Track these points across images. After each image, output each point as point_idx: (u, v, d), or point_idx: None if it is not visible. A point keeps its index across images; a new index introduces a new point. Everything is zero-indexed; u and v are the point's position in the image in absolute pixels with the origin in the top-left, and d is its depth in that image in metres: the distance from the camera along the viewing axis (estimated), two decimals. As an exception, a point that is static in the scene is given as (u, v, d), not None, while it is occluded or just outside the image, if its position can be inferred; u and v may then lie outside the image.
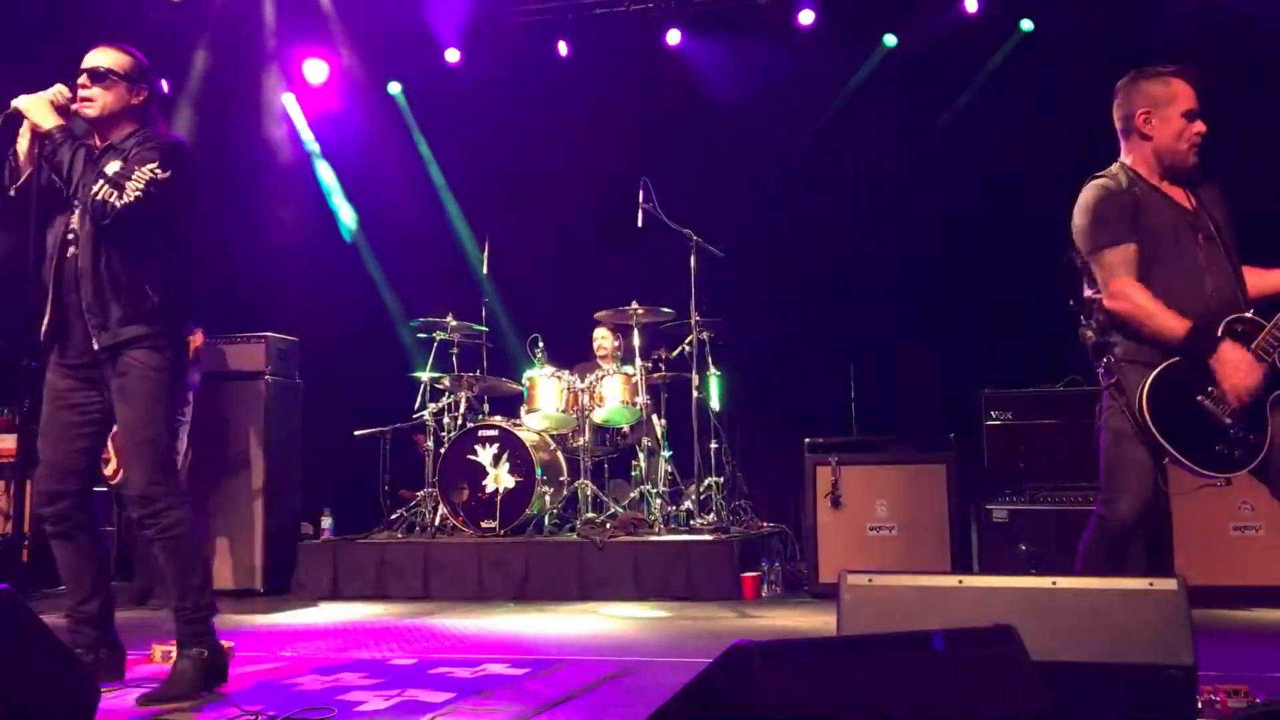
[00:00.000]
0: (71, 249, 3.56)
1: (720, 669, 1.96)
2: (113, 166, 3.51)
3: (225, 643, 4.27)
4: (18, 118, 3.48)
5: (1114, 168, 3.38)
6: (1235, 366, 3.08)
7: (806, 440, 6.28)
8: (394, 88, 9.20)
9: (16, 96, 3.47)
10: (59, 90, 3.54)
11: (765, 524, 7.20)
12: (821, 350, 7.74)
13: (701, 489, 6.88)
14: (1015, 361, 6.92)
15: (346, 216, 9.26)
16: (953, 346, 7.43)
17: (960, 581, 2.63)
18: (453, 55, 8.87)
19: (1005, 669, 2.08)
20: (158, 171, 3.49)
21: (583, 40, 8.63)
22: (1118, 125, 3.43)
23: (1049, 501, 5.80)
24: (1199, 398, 3.13)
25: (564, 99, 8.50)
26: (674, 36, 8.51)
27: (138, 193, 3.43)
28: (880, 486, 6.07)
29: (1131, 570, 3.21)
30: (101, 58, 3.62)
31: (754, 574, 6.16)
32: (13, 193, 3.50)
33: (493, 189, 8.66)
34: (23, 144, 3.51)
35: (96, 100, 3.58)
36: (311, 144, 9.30)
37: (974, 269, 7.53)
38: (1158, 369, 3.16)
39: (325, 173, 9.30)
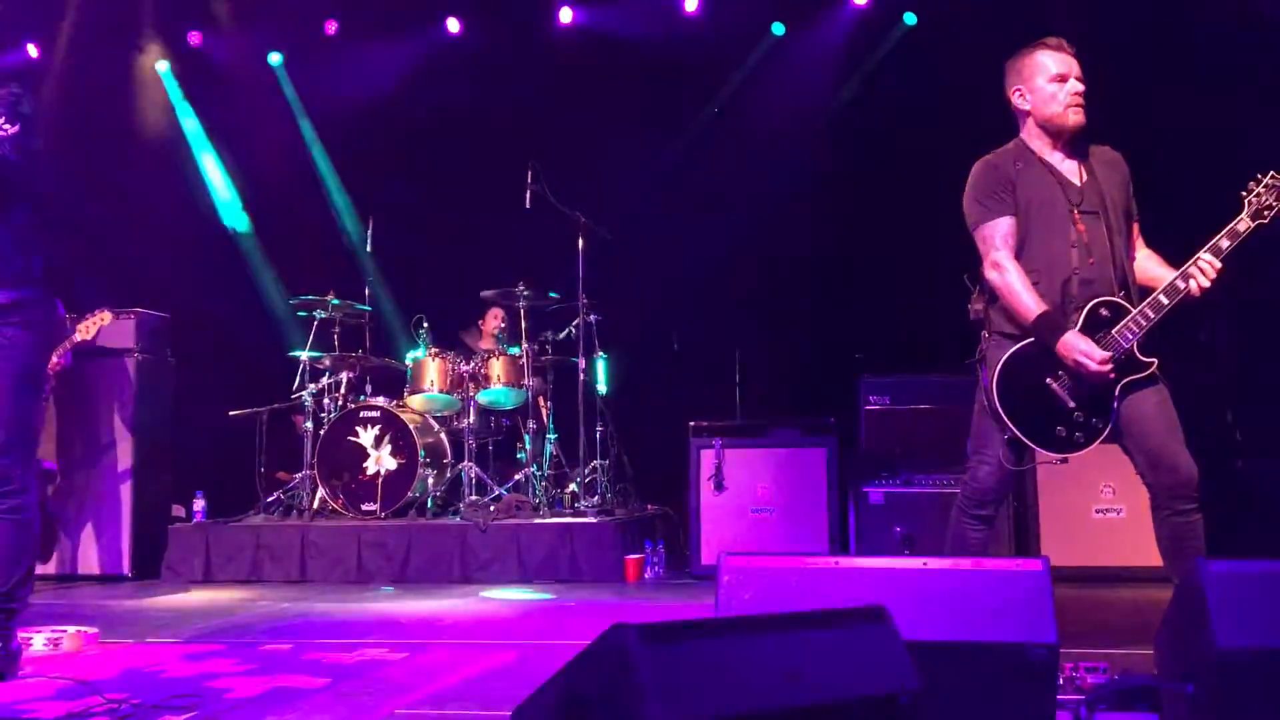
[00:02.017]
0: None
1: (598, 650, 1.96)
2: None
3: (89, 629, 4.13)
4: None
5: (1008, 145, 3.52)
6: (1075, 356, 3.20)
7: (691, 424, 6.33)
8: (274, 58, 8.91)
9: None
10: None
11: (650, 506, 7.24)
12: (707, 334, 7.79)
13: (587, 472, 6.87)
14: (893, 348, 7.08)
15: (224, 191, 8.96)
16: (834, 332, 7.57)
17: (836, 563, 2.67)
18: (331, 26, 8.61)
19: (877, 648, 2.13)
20: (7, 127, 3.35)
21: (471, 16, 8.50)
22: (1011, 109, 3.55)
23: (924, 485, 5.95)
24: (1048, 379, 3.26)
25: (450, 74, 8.36)
26: (566, 14, 8.45)
27: None
28: (762, 469, 6.15)
29: (999, 552, 3.32)
30: None
31: (637, 556, 6.19)
32: None
33: (377, 166, 8.49)
34: None
35: None
36: (188, 116, 8.97)
37: (856, 255, 7.67)
38: (1013, 348, 3.29)
39: (202, 146, 8.97)
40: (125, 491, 6.45)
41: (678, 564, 6.53)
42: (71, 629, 4.12)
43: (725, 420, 6.53)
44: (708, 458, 6.21)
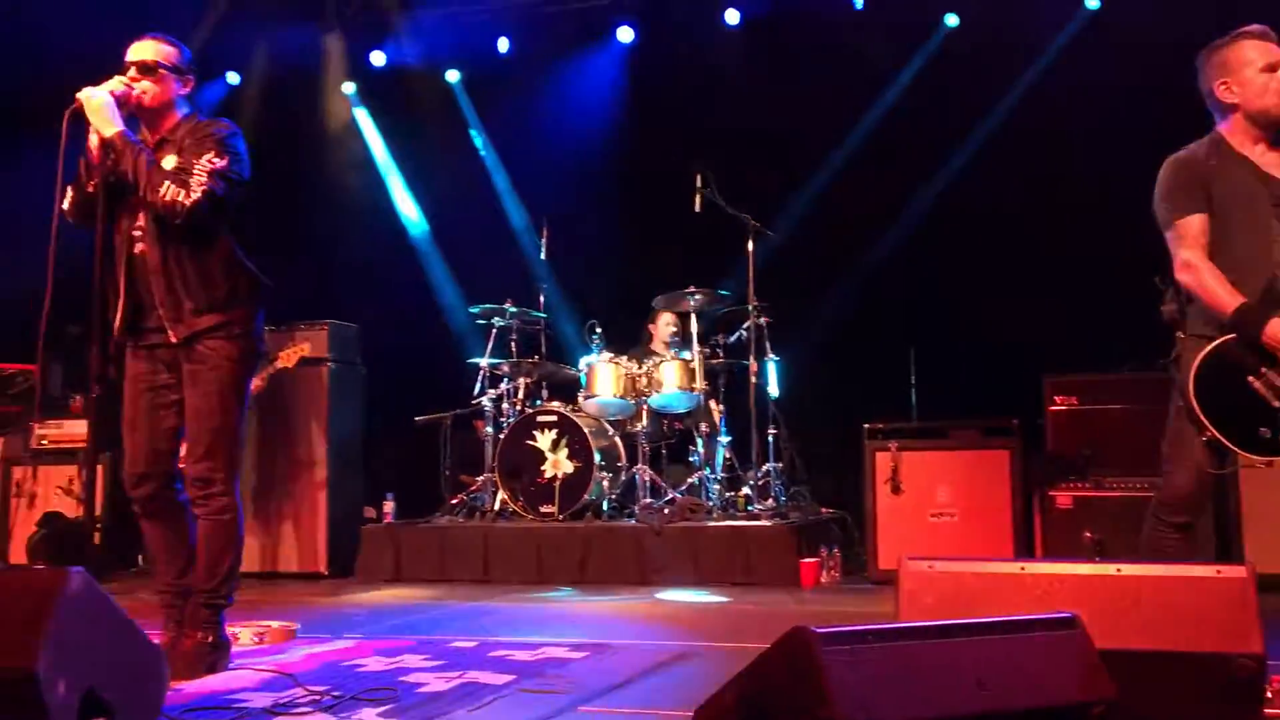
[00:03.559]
0: (139, 245, 3.64)
1: (779, 653, 1.97)
2: (170, 161, 3.58)
3: (290, 624, 4.38)
4: (83, 114, 3.53)
5: (1200, 140, 3.35)
6: None
7: (866, 426, 6.23)
8: (452, 76, 9.25)
9: (82, 89, 3.53)
10: (118, 81, 3.59)
11: (824, 510, 7.17)
12: (881, 334, 7.67)
13: (760, 475, 6.86)
14: (1079, 346, 6.80)
15: (407, 204, 9.34)
16: (1015, 330, 7.31)
17: (1023, 568, 2.60)
18: (504, 44, 8.90)
19: (1068, 656, 2.06)
20: (215, 160, 3.56)
21: (642, 24, 8.62)
22: (1208, 105, 3.38)
23: (1115, 488, 5.70)
24: (1250, 378, 3.08)
25: (622, 83, 8.51)
26: (733, 16, 8.47)
27: (202, 186, 3.50)
28: (941, 472, 6.01)
29: (1201, 557, 3.16)
30: (148, 50, 3.66)
31: (812, 561, 6.14)
32: (90, 188, 3.56)
33: (551, 175, 8.68)
34: (94, 139, 3.56)
35: (147, 93, 3.63)
36: (373, 133, 9.40)
37: (1038, 250, 7.40)
38: (1210, 346, 3.13)
39: (386, 161, 9.39)
40: (321, 494, 6.80)
41: (854, 569, 6.44)
42: (275, 624, 4.38)
43: (901, 422, 6.40)
44: (884, 460, 6.11)
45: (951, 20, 8.14)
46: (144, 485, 3.68)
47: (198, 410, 3.63)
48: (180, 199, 3.48)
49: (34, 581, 2.30)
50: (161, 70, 3.65)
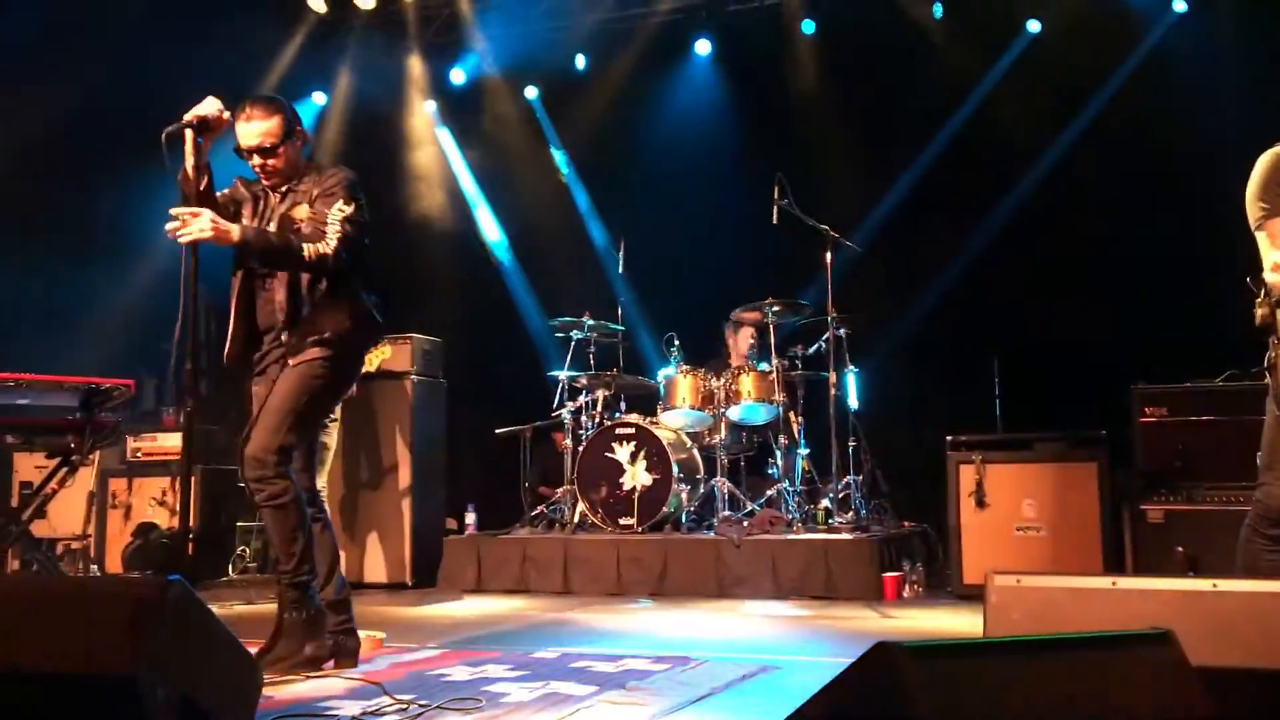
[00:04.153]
0: (268, 280, 3.82)
1: (864, 668, 1.95)
2: (302, 211, 3.80)
3: (378, 633, 4.45)
4: (183, 136, 3.63)
5: None
6: None
7: (949, 438, 6.14)
8: (530, 92, 9.36)
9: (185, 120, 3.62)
10: (213, 104, 3.69)
11: (906, 523, 7.09)
12: (964, 345, 7.57)
13: (840, 488, 6.80)
14: (1168, 354, 6.63)
15: (486, 219, 9.47)
16: (1102, 338, 7.17)
17: (1114, 583, 2.54)
18: (580, 60, 8.99)
19: (1163, 673, 2.01)
20: (345, 209, 3.77)
21: (718, 36, 8.65)
22: None
23: (1208, 502, 5.54)
24: None
25: (696, 96, 8.54)
26: (809, 26, 8.46)
27: (337, 235, 3.72)
28: (1027, 485, 5.89)
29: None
30: (257, 132, 3.78)
31: (895, 574, 6.07)
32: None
33: (628, 188, 8.74)
34: (189, 161, 3.66)
35: (278, 170, 3.84)
36: (453, 149, 9.55)
37: (1125, 256, 7.25)
38: None
39: (465, 176, 9.53)
40: (405, 505, 6.90)
41: (937, 583, 6.35)
42: (362, 633, 4.45)
43: (985, 434, 6.30)
44: (967, 473, 6.01)
45: (1034, 26, 8.03)
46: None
47: (268, 404, 3.76)
48: (324, 250, 3.69)
49: (135, 590, 2.37)
50: (282, 147, 3.82)
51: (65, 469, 5.80)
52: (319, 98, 9.32)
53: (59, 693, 2.23)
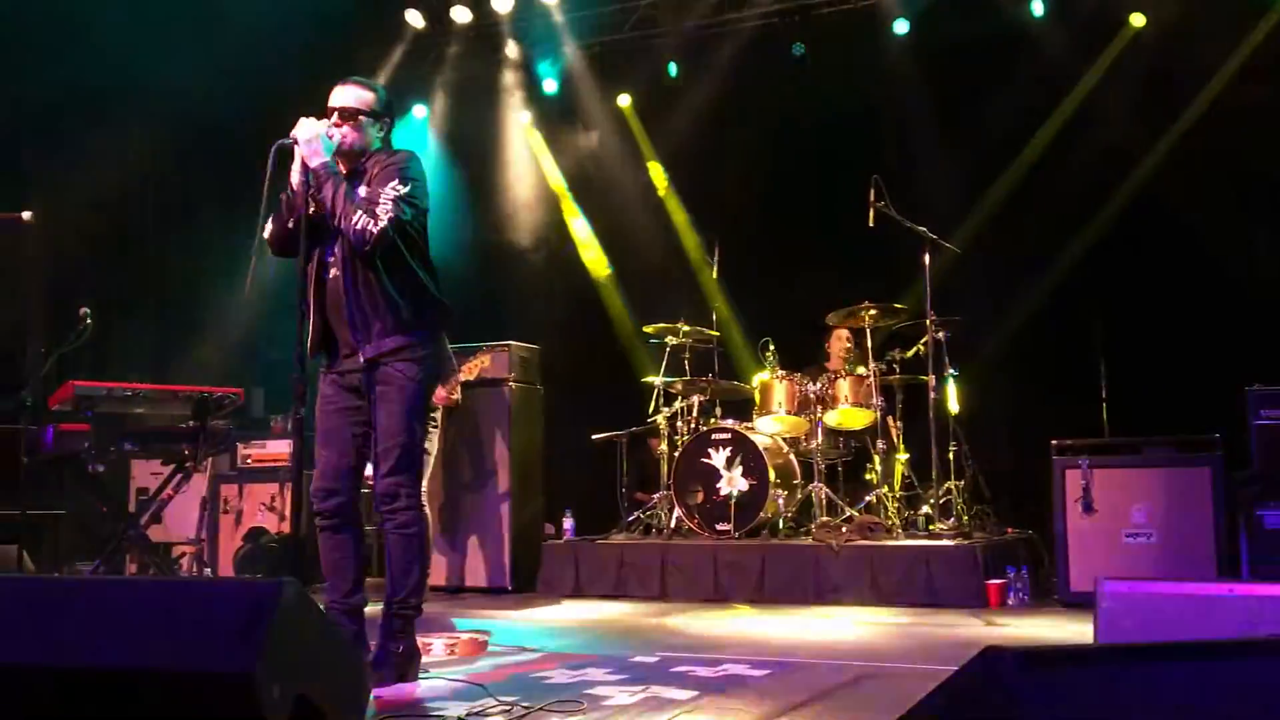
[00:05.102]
0: (333, 270, 3.84)
1: (971, 674, 1.92)
2: (362, 190, 3.78)
3: (482, 634, 4.52)
4: (291, 152, 3.76)
5: None
6: None
7: (1054, 442, 6.01)
8: (622, 99, 9.43)
9: (296, 125, 3.75)
10: (321, 124, 3.81)
11: (1010, 530, 6.94)
12: (1068, 347, 7.39)
13: (941, 493, 6.70)
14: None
15: (582, 226, 9.55)
16: (1212, 339, 6.93)
17: (1232, 590, 2.47)
18: (674, 68, 9.04)
19: (1287, 684, 1.94)
20: (399, 187, 3.74)
21: (811, 39, 8.61)
22: None
23: (1329, 507, 5.32)
24: None
25: (789, 99, 8.49)
26: (901, 26, 8.37)
27: (389, 214, 3.69)
28: (1136, 490, 5.74)
29: None
30: (349, 96, 3.87)
31: (999, 581, 5.95)
32: (290, 224, 3.80)
33: (721, 194, 8.73)
34: (295, 176, 3.78)
35: (347, 137, 3.85)
36: (546, 157, 9.66)
37: (1234, 254, 7.01)
38: None
39: (559, 183, 9.64)
40: (505, 510, 6.98)
41: (1043, 591, 6.22)
42: (465, 635, 4.53)
43: (1092, 438, 6.14)
44: (1073, 478, 5.88)
45: (1137, 20, 7.82)
46: (332, 499, 3.86)
47: (385, 429, 3.80)
48: (370, 227, 3.67)
49: (252, 591, 2.44)
50: (361, 117, 3.87)
51: (180, 475, 6.03)
52: (419, 111, 9.53)
53: (180, 690, 2.31)
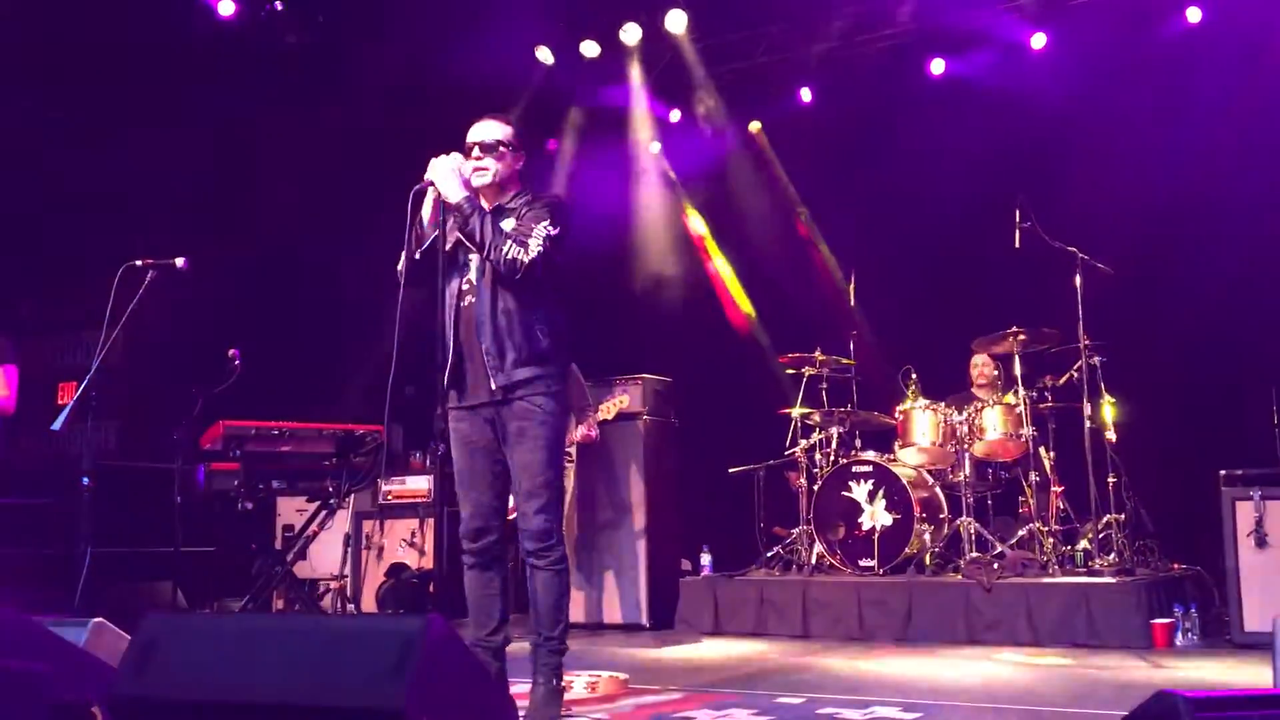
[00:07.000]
0: (469, 298, 3.87)
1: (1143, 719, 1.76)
2: (509, 224, 3.82)
3: (620, 675, 4.44)
4: (425, 188, 3.80)
5: None
6: None
7: (1223, 472, 5.65)
8: (754, 126, 9.36)
9: (429, 164, 3.79)
10: (460, 158, 3.85)
11: (1175, 565, 6.55)
12: (1234, 372, 6.96)
13: (1100, 527, 6.35)
14: None
15: (714, 256, 9.49)
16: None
17: None
18: (806, 93, 8.95)
19: None
20: (550, 228, 3.79)
21: (949, 55, 8.42)
22: None
23: None
24: None
25: (925, 121, 8.28)
26: (1039, 40, 8.11)
27: (539, 249, 3.74)
28: (1316, 523, 5.34)
29: None
30: (491, 130, 3.94)
31: (1166, 621, 5.60)
32: (418, 255, 3.85)
33: (856, 220, 8.56)
34: (427, 211, 3.84)
35: (489, 169, 3.90)
36: (678, 187, 9.65)
37: None
38: None
39: (692, 213, 9.61)
40: (640, 546, 6.91)
41: (1214, 630, 5.83)
42: (605, 674, 4.46)
43: (1265, 468, 5.74)
44: (1245, 510, 5.52)
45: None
46: (484, 538, 3.87)
47: (528, 466, 3.78)
48: (521, 256, 3.72)
49: (401, 627, 2.41)
50: (502, 148, 3.92)
51: (325, 512, 6.13)
52: (551, 144, 9.62)
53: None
